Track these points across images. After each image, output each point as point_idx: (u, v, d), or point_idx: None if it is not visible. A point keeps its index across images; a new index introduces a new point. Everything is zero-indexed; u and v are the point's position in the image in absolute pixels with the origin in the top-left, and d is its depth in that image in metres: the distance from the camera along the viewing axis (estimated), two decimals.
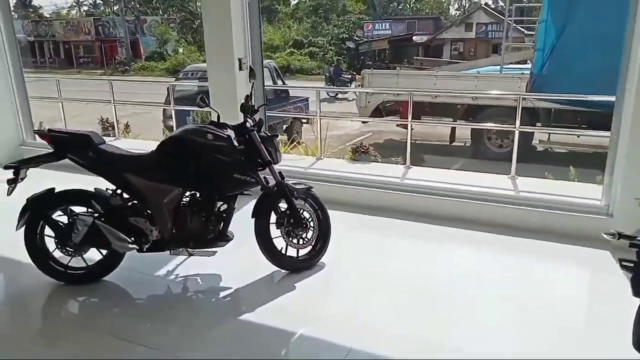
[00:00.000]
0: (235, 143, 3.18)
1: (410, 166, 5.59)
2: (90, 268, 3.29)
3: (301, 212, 3.40)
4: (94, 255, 3.29)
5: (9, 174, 3.03)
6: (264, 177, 3.30)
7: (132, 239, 3.13)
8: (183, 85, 9.68)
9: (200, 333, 2.84)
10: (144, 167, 3.11)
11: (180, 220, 3.16)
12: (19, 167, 3.03)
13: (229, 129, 3.25)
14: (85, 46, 40.84)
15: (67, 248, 3.17)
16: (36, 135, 6.75)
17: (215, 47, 4.72)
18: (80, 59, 40.83)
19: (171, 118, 8.83)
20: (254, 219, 3.29)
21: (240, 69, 4.70)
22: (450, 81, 9.55)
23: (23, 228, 3.13)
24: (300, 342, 2.79)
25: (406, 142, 5.66)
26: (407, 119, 9.56)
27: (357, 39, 33.06)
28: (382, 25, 33.71)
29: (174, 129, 7.60)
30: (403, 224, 4.40)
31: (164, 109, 9.69)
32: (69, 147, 3.08)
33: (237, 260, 3.56)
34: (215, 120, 3.30)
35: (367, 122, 10.78)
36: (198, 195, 3.24)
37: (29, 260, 3.22)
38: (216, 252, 3.32)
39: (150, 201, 3.09)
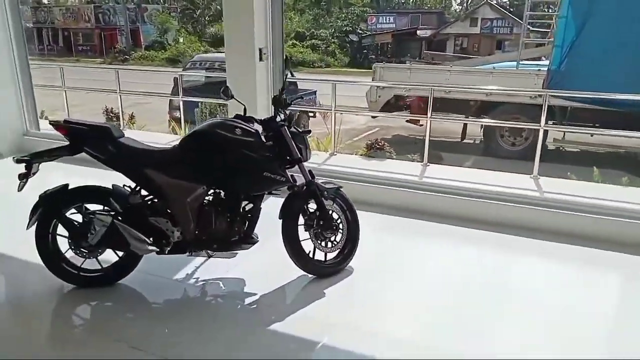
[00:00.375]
0: (263, 139, 2.97)
1: (428, 164, 5.41)
2: (105, 270, 3.08)
3: (330, 213, 3.19)
4: (109, 256, 3.07)
5: (20, 167, 2.81)
6: (291, 175, 3.09)
7: (151, 239, 2.92)
8: (190, 75, 9.42)
9: (215, 340, 2.64)
10: (167, 162, 2.89)
11: (204, 221, 2.94)
12: (32, 161, 2.80)
13: (255, 124, 3.04)
14: (84, 34, 40.26)
15: (82, 249, 2.96)
16: (40, 125, 6.53)
17: (235, 36, 4.49)
18: (79, 46, 40.30)
19: (178, 109, 8.59)
20: (281, 220, 3.09)
21: (261, 59, 4.47)
22: (464, 76, 9.33)
23: (34, 227, 2.92)
24: (324, 351, 2.60)
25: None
26: (417, 114, 9.40)
27: (360, 32, 32.74)
28: (386, 18, 33.40)
29: (181, 120, 7.37)
30: (427, 225, 4.22)
31: (170, 100, 9.43)
32: (86, 139, 2.85)
33: (261, 263, 3.36)
34: (241, 114, 3.08)
35: (376, 117, 10.56)
36: (222, 194, 3.03)
37: (40, 262, 3.00)
38: (237, 253, 3.11)
39: (173, 200, 2.88)
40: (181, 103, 7.25)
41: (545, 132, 8.80)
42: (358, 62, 30.48)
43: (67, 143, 2.88)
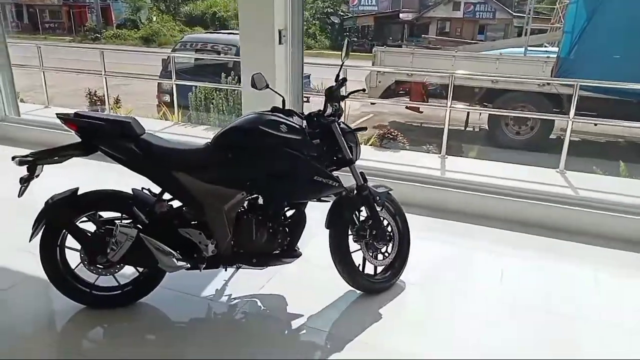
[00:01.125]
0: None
1: (446, 156, 5.11)
2: (123, 288, 2.63)
3: (383, 220, 2.80)
4: (126, 270, 2.62)
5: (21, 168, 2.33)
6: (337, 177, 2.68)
7: (178, 253, 2.48)
8: (178, 57, 8.81)
9: None
10: (200, 164, 2.44)
11: (242, 232, 2.51)
12: (36, 162, 2.32)
13: (296, 118, 2.61)
14: (51, 11, 38.43)
15: (97, 265, 2.49)
16: (20, 110, 5.92)
17: (251, 17, 3.98)
18: (46, 24, 38.45)
19: (167, 93, 8.02)
20: (328, 229, 2.68)
21: (280, 42, 4.00)
22: (469, 62, 8.96)
23: (39, 238, 2.45)
24: None
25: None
26: (416, 100, 9.02)
27: (341, 14, 32.11)
28: (368, 0, 32.77)
29: (175, 105, 6.83)
30: (465, 227, 3.88)
31: (158, 83, 8.83)
32: (103, 137, 2.37)
33: (297, 276, 2.95)
34: (280, 106, 2.64)
35: (375, 103, 10.16)
36: (260, 199, 2.59)
37: (45, 278, 2.53)
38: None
39: (208, 208, 2.43)
40: (174, 87, 6.72)
41: (553, 122, 8.59)
42: (339, 44, 29.87)
43: (78, 140, 2.41)
